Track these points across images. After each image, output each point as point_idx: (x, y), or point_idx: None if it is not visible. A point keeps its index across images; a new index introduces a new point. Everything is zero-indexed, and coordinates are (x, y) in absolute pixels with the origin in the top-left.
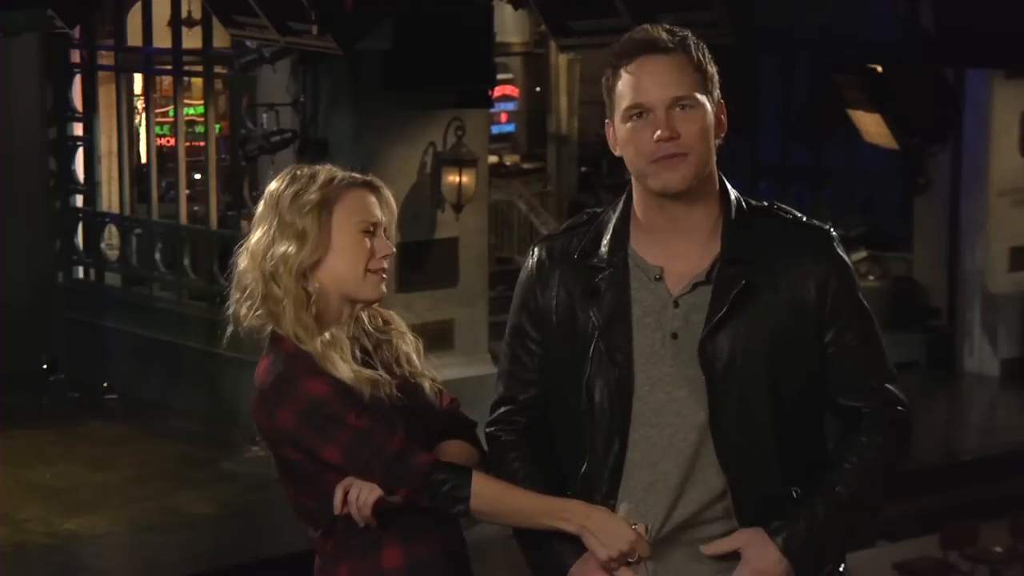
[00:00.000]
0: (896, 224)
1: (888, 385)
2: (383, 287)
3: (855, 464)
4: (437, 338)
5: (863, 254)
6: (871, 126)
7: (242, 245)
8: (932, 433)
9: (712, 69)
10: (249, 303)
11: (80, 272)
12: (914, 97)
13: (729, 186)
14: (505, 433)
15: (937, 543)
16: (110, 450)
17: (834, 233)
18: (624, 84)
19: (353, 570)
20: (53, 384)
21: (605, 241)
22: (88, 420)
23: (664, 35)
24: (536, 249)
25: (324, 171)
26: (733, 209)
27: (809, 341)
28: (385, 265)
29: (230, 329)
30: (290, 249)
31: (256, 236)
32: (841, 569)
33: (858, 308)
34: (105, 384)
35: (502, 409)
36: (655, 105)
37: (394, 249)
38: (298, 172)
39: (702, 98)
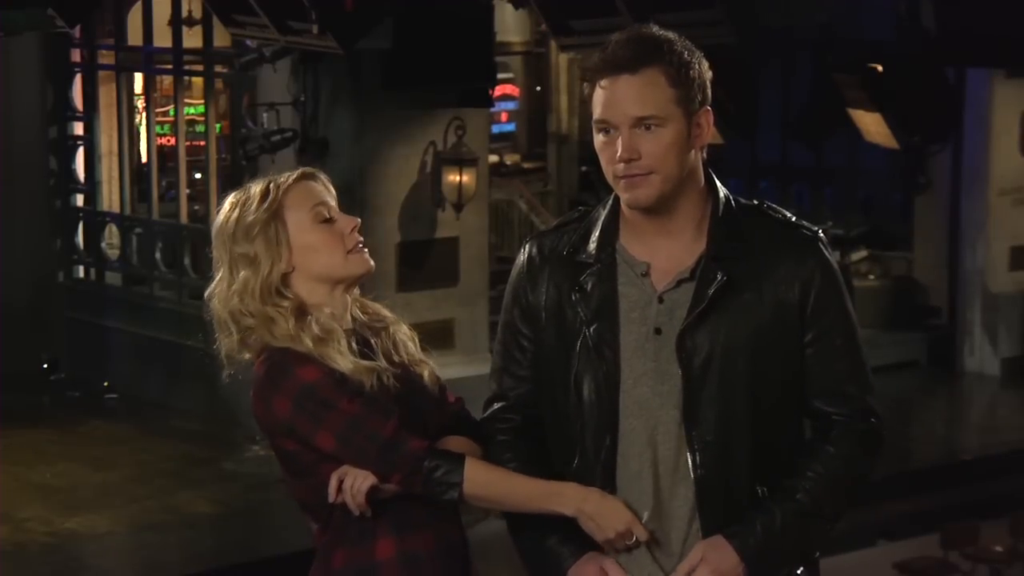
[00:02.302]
0: (896, 223)
1: (864, 395)
2: (368, 258)
3: (819, 473)
4: (438, 337)
5: (863, 253)
6: (872, 126)
7: (210, 292)
8: (932, 432)
9: (697, 75)
10: (231, 341)
11: (80, 271)
12: (914, 97)
13: (719, 184)
14: (500, 432)
15: (937, 542)
16: (110, 449)
17: (822, 235)
18: (596, 97)
19: (347, 557)
20: (54, 383)
21: (594, 238)
22: (89, 419)
23: (634, 51)
24: (527, 246)
25: (256, 184)
26: (721, 207)
27: (791, 342)
28: (360, 237)
29: (226, 372)
30: (245, 276)
31: (217, 279)
32: (799, 572)
33: (841, 313)
34: (106, 383)
35: (495, 406)
36: (618, 123)
37: (358, 219)
38: (233, 200)
39: (673, 113)
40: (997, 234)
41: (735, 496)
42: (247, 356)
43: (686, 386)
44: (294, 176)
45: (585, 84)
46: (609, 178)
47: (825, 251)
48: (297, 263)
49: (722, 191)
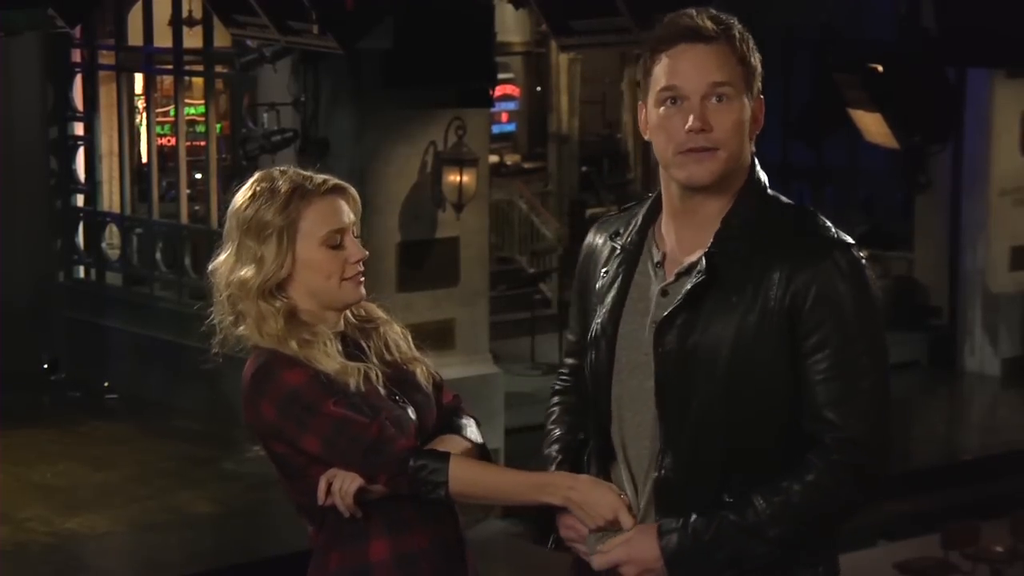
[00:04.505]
0: (897, 223)
1: (852, 424)
2: (362, 289)
3: (779, 496)
4: (438, 338)
5: (864, 254)
6: (872, 125)
7: (214, 260)
8: (933, 432)
9: (755, 62)
10: (223, 318)
11: (81, 271)
12: (915, 96)
13: (763, 181)
14: (556, 385)
15: (938, 542)
16: (111, 449)
17: (854, 254)
18: (661, 67)
19: (343, 559)
20: (54, 383)
21: (635, 223)
22: (89, 419)
23: (708, 23)
24: (593, 227)
25: (286, 182)
26: (748, 204)
27: (775, 352)
28: (361, 268)
29: (218, 338)
30: (248, 273)
31: (222, 256)
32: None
33: (839, 331)
34: (106, 383)
35: (561, 369)
36: (690, 92)
37: (367, 252)
38: (259, 187)
39: (741, 90)
40: (997, 234)
41: (696, 501)
42: (239, 330)
43: (658, 384)
44: (326, 187)
45: (643, 59)
46: (667, 155)
47: (838, 266)
48: (296, 272)
49: (760, 188)
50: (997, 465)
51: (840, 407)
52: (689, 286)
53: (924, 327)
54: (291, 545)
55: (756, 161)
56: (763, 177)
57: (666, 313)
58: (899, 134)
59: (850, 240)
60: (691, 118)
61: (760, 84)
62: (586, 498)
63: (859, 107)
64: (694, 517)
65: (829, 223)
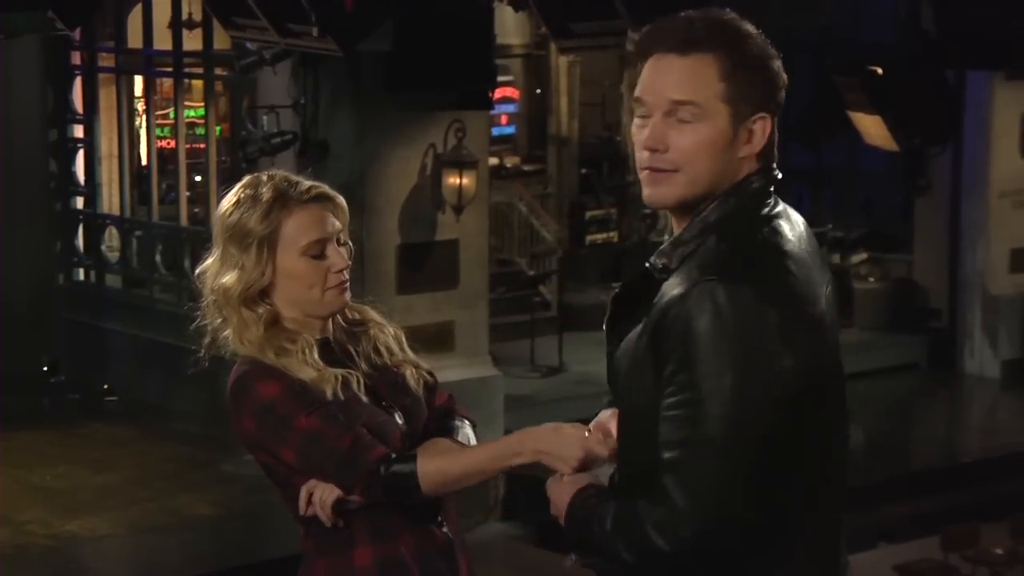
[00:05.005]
0: (897, 226)
1: (676, 471)
2: (345, 296)
3: (623, 508)
4: (437, 340)
5: (863, 256)
6: (872, 128)
7: (203, 263)
8: (933, 435)
9: (758, 75)
10: (212, 321)
11: (81, 274)
12: (914, 99)
13: (743, 202)
14: None
15: (938, 545)
16: (111, 452)
17: (730, 290)
18: (640, 75)
19: (328, 566)
20: (54, 386)
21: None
22: (89, 422)
23: (685, 32)
24: None
25: (269, 190)
26: (701, 224)
27: (649, 376)
28: (344, 276)
29: (207, 340)
30: (230, 280)
31: (209, 260)
32: None
33: (689, 374)
34: (106, 386)
35: None
36: (653, 108)
37: (349, 262)
38: (243, 194)
39: (716, 109)
40: (997, 236)
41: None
42: (225, 333)
43: (608, 385)
44: (309, 195)
45: (637, 64)
46: (637, 168)
47: (703, 299)
48: (278, 281)
49: (730, 214)
50: (997, 467)
51: (667, 448)
52: (612, 296)
53: (924, 329)
54: (290, 548)
55: (755, 179)
56: (750, 196)
57: (606, 320)
58: (899, 136)
59: (750, 275)
60: (646, 135)
61: (767, 99)
62: (552, 446)
63: (859, 109)
64: (599, 496)
65: (751, 254)
